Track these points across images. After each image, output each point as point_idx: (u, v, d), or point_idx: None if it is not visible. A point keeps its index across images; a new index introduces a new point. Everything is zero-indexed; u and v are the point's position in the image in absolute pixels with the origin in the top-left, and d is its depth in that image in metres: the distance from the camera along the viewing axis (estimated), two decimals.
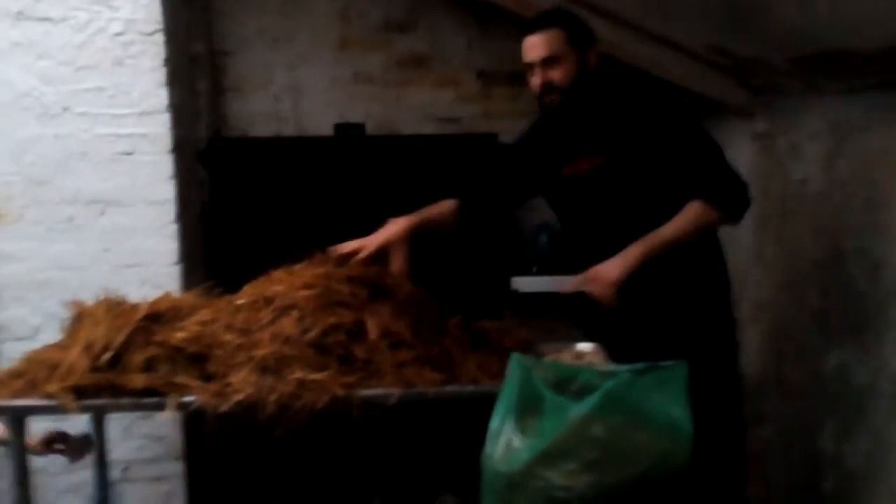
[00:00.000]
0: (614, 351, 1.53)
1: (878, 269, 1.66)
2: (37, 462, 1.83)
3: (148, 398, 1.35)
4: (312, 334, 1.41)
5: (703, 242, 1.61)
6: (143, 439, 2.09)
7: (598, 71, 1.60)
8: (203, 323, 1.43)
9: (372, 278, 1.57)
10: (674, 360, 1.16)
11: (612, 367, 1.30)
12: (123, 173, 2.04)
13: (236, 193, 2.37)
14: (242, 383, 1.33)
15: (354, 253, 1.52)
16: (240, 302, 1.50)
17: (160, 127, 2.04)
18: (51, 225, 2.03)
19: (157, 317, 1.44)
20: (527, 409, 1.15)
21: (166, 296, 1.57)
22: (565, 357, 1.52)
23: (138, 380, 1.34)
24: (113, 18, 2.00)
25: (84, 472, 1.97)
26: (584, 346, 1.59)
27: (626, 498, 1.09)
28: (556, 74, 1.54)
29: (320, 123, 2.49)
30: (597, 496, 1.08)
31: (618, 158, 1.58)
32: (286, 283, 1.56)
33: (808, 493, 1.89)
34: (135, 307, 1.47)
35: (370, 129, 2.51)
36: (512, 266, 2.42)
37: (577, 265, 1.75)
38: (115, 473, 1.98)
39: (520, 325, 1.63)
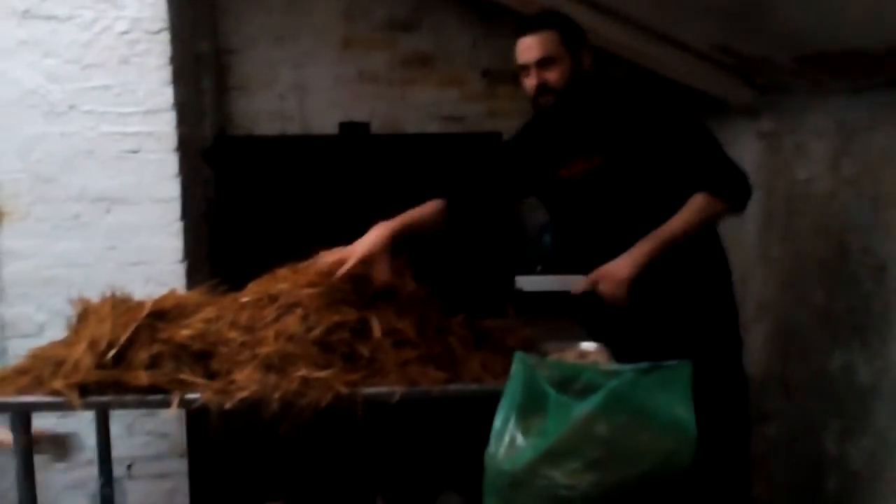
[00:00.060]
0: (618, 350, 1.53)
1: (884, 268, 1.65)
2: (41, 459, 1.84)
3: (152, 395, 1.36)
4: (316, 332, 1.41)
5: (704, 241, 1.60)
6: (147, 436, 2.10)
7: (592, 72, 1.59)
8: (207, 320, 1.43)
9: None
10: (678, 360, 1.16)
11: (615, 366, 1.30)
12: (129, 171, 2.05)
13: (241, 192, 2.38)
14: (246, 381, 1.34)
15: (336, 266, 1.49)
16: (244, 300, 1.50)
17: (165, 125, 2.05)
18: (57, 222, 2.04)
19: (162, 314, 1.44)
20: (530, 408, 1.15)
21: (171, 293, 1.57)
22: (569, 356, 1.52)
23: (143, 377, 1.35)
24: (119, 17, 2.01)
25: (88, 469, 1.99)
26: (588, 346, 1.59)
27: (629, 497, 1.09)
28: (552, 75, 1.54)
29: (325, 122, 2.50)
30: (600, 495, 1.08)
31: (617, 157, 1.57)
32: (290, 281, 1.57)
33: (812, 492, 1.89)
34: (140, 304, 1.48)
35: (375, 127, 2.51)
36: (516, 265, 2.42)
37: (574, 266, 1.75)
38: (118, 470, 1.99)
39: (523, 324, 1.63)
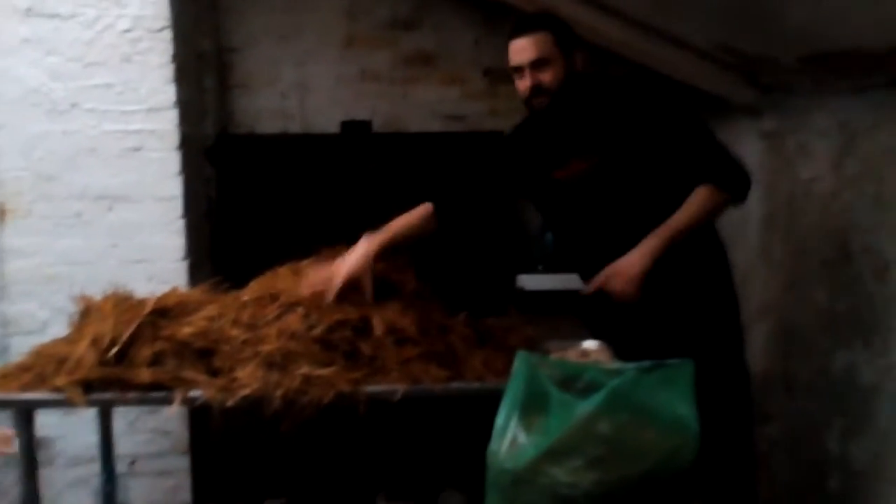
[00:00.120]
0: (620, 349, 1.53)
1: (887, 268, 1.65)
2: (44, 456, 1.85)
3: (155, 392, 1.36)
4: (318, 330, 1.41)
5: (703, 238, 1.60)
6: (149, 433, 2.10)
7: (585, 72, 1.59)
8: (210, 318, 1.44)
9: (378, 275, 1.57)
10: (680, 358, 1.16)
11: (617, 364, 1.30)
12: (131, 169, 2.05)
13: (243, 190, 2.38)
14: (248, 378, 1.34)
15: (322, 288, 1.48)
16: (246, 298, 1.51)
17: (168, 123, 2.05)
18: (59, 220, 2.04)
19: (165, 312, 1.44)
20: (532, 407, 1.15)
21: (173, 291, 1.58)
22: (571, 355, 1.52)
23: (145, 374, 1.35)
24: (121, 15, 2.01)
25: (91, 466, 1.99)
26: (590, 344, 1.59)
27: (631, 495, 1.09)
28: (546, 77, 1.53)
29: (327, 120, 2.50)
30: (602, 493, 1.08)
31: (614, 155, 1.57)
32: (292, 280, 1.57)
33: (814, 492, 1.89)
34: (142, 302, 1.48)
35: (376, 126, 2.51)
36: (517, 264, 2.42)
37: (571, 267, 1.75)
38: (121, 467, 1.99)
39: (525, 323, 1.63)
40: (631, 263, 1.48)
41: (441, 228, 1.64)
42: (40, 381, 1.38)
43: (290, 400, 1.32)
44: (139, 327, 1.39)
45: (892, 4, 1.37)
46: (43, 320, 2.03)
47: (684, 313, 1.60)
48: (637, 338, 1.58)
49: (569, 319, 1.85)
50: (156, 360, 1.37)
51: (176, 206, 2.07)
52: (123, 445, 2.01)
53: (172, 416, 2.00)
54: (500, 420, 1.17)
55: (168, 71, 2.03)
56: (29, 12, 1.99)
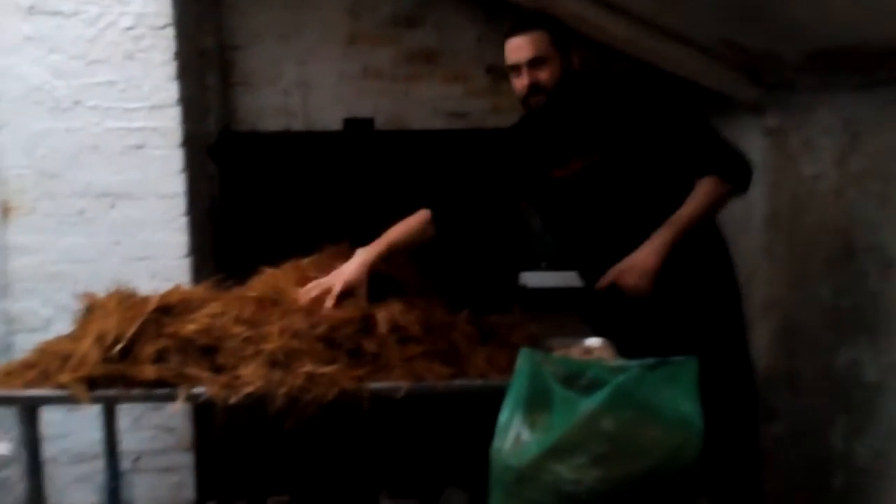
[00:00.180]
0: (623, 346, 1.52)
1: (891, 266, 1.64)
2: (48, 452, 1.85)
3: (159, 389, 1.36)
4: (322, 329, 1.41)
5: (705, 233, 1.60)
6: (153, 430, 2.11)
7: (581, 71, 1.59)
8: (213, 315, 1.44)
9: (381, 273, 1.57)
10: (684, 355, 1.16)
11: (621, 362, 1.29)
12: (134, 167, 2.05)
13: (245, 187, 2.38)
14: (252, 376, 1.34)
15: (319, 301, 1.48)
16: (251, 294, 1.51)
17: (170, 121, 2.05)
18: (62, 218, 2.05)
19: (168, 309, 1.45)
20: (536, 404, 1.15)
21: (177, 288, 1.58)
22: (574, 352, 1.52)
23: (149, 371, 1.35)
24: (124, 13, 2.01)
25: (95, 463, 2.00)
26: (593, 342, 1.58)
27: (635, 492, 1.09)
28: (543, 75, 1.54)
29: (329, 118, 2.50)
30: (606, 490, 1.08)
31: (615, 152, 1.57)
32: (294, 278, 1.57)
33: (818, 490, 1.88)
34: (146, 299, 1.48)
35: (379, 123, 2.51)
36: (520, 261, 2.42)
37: (572, 265, 1.75)
38: (125, 464, 2.00)
39: (528, 320, 1.62)
40: (644, 258, 1.47)
41: (439, 235, 1.64)
42: (44, 378, 1.38)
43: (294, 397, 1.32)
44: (143, 324, 1.39)
45: None
46: (46, 318, 2.04)
47: (688, 309, 1.60)
48: (641, 335, 1.57)
49: (572, 317, 1.85)
50: (159, 357, 1.37)
51: (179, 204, 2.07)
52: (127, 442, 2.01)
53: (176, 413, 2.01)
54: (503, 417, 1.17)
55: (171, 68, 2.03)
56: (32, 10, 1.99)
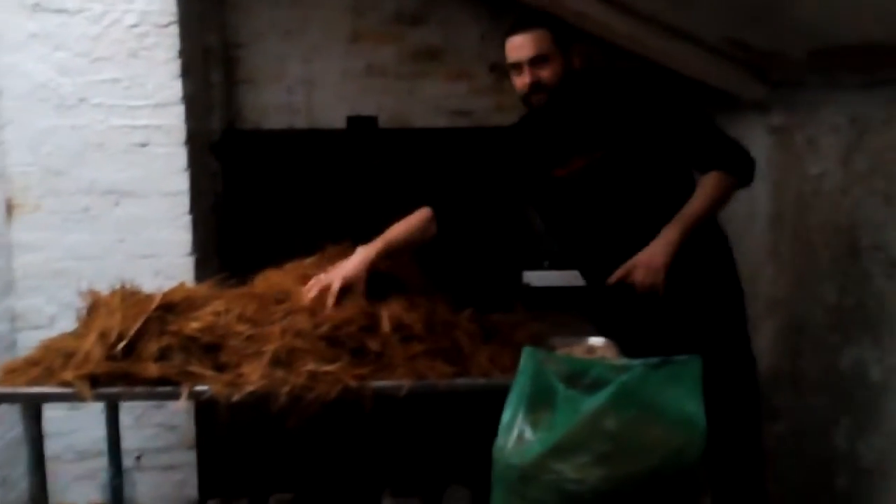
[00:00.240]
0: (626, 345, 1.52)
1: None
2: (51, 450, 1.86)
3: (162, 387, 1.36)
4: (325, 328, 1.41)
5: (709, 233, 1.60)
6: (155, 428, 2.11)
7: (582, 70, 1.59)
8: (216, 313, 1.44)
9: (384, 272, 1.57)
10: (688, 354, 1.15)
11: (625, 361, 1.29)
12: (138, 164, 2.05)
13: (249, 185, 2.39)
14: (255, 374, 1.34)
15: (319, 300, 1.47)
16: (254, 292, 1.51)
17: (174, 118, 2.05)
18: (66, 215, 2.05)
19: (172, 307, 1.45)
20: (539, 402, 1.15)
21: (180, 286, 1.58)
22: (577, 351, 1.52)
23: (152, 369, 1.36)
24: (128, 10, 2.01)
25: (98, 461, 2.00)
26: (596, 341, 1.58)
27: (638, 492, 1.09)
28: (545, 73, 1.54)
29: (333, 116, 2.50)
30: (609, 490, 1.07)
31: (617, 149, 1.57)
32: (297, 276, 1.57)
33: (822, 490, 1.88)
34: (149, 297, 1.48)
35: (382, 121, 2.51)
36: (523, 260, 2.42)
37: (573, 264, 1.74)
38: (127, 462, 2.00)
39: (531, 319, 1.62)
40: (655, 254, 1.47)
41: (440, 233, 1.64)
42: (48, 376, 1.39)
43: (297, 396, 1.32)
44: (146, 322, 1.40)
45: None
46: (50, 315, 2.04)
47: (691, 308, 1.60)
48: (643, 334, 1.57)
49: (575, 316, 1.84)
50: (163, 355, 1.38)
51: (183, 202, 2.07)
52: (130, 440, 2.02)
53: (179, 411, 2.01)
54: (506, 416, 1.17)
55: (175, 66, 2.04)
56: (36, 8, 1.99)
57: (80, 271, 2.02)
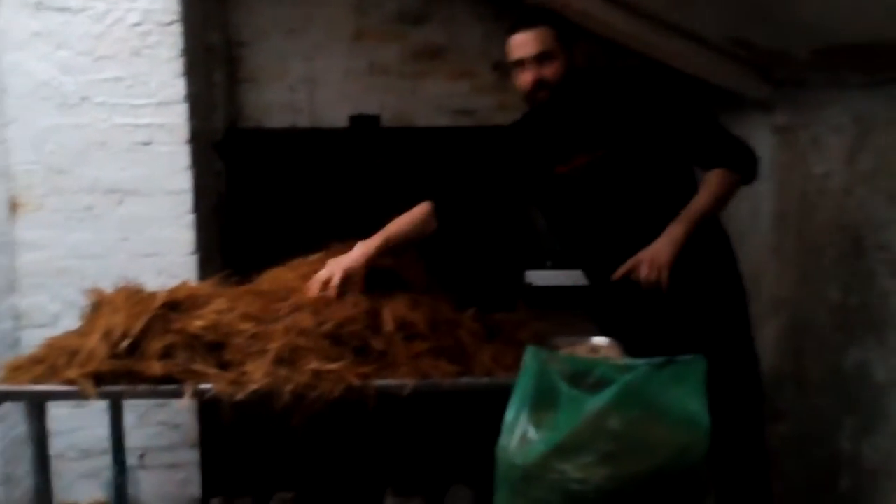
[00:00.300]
0: (629, 345, 1.51)
1: None
2: (55, 448, 1.86)
3: (165, 385, 1.36)
4: (328, 326, 1.41)
5: (711, 232, 1.59)
6: (159, 427, 2.12)
7: (586, 68, 1.59)
8: (220, 311, 1.44)
9: (386, 269, 1.57)
10: (691, 354, 1.15)
11: (628, 361, 1.29)
12: (141, 163, 2.05)
13: (252, 184, 2.39)
14: (258, 372, 1.34)
15: (321, 293, 1.48)
16: (258, 291, 1.51)
17: (177, 117, 2.05)
18: (70, 213, 2.05)
19: (175, 305, 1.45)
20: (542, 402, 1.15)
21: (184, 284, 1.58)
22: (580, 351, 1.52)
23: (156, 367, 1.35)
24: (131, 9, 2.01)
25: (102, 459, 2.01)
26: (600, 341, 1.58)
27: (642, 491, 1.08)
28: (549, 71, 1.54)
29: (335, 115, 2.50)
30: (613, 489, 1.07)
31: (620, 146, 1.57)
32: (300, 275, 1.57)
33: (826, 491, 1.87)
34: (153, 295, 1.48)
35: (385, 120, 2.51)
36: (526, 260, 2.41)
37: (575, 263, 1.74)
38: (131, 460, 2.01)
39: (534, 318, 1.62)
40: (659, 250, 1.46)
41: (441, 228, 1.64)
42: (52, 374, 1.39)
43: (300, 394, 1.32)
44: (150, 320, 1.40)
45: None
46: (54, 313, 2.05)
47: (693, 307, 1.59)
48: (646, 333, 1.57)
49: (577, 316, 1.84)
50: (166, 354, 1.38)
51: (186, 200, 2.07)
52: (134, 438, 2.02)
53: (182, 410, 2.01)
54: (509, 415, 1.17)
55: (177, 65, 2.04)
56: (39, 6, 1.99)
57: (84, 270, 2.02)
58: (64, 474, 2.06)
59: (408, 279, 1.59)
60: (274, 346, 1.37)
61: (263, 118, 2.50)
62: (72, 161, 2.04)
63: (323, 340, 1.40)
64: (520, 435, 1.14)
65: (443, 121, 2.53)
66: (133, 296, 1.49)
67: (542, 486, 1.10)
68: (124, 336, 1.38)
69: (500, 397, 1.20)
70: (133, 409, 2.03)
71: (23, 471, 1.93)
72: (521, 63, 1.56)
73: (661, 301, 1.49)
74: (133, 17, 2.02)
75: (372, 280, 1.53)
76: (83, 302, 1.57)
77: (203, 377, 1.36)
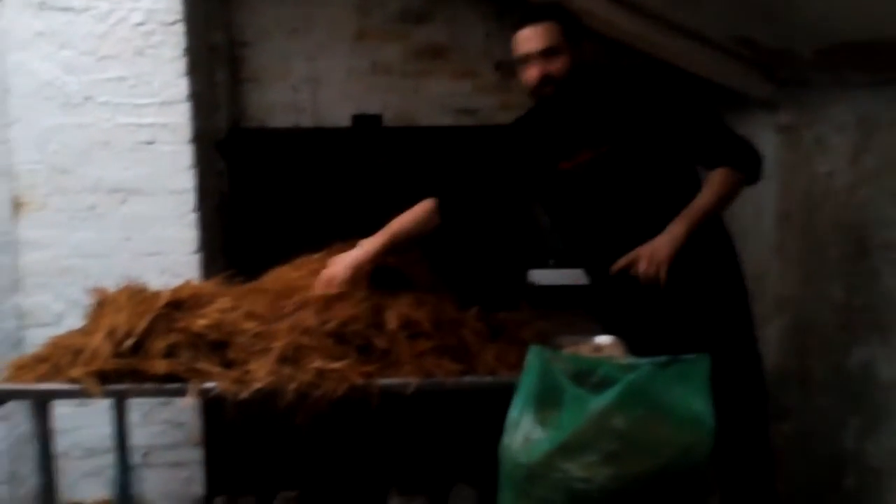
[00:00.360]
0: (633, 344, 1.51)
1: None
2: (59, 446, 1.87)
3: (169, 384, 1.37)
4: (332, 325, 1.41)
5: (713, 231, 1.59)
6: (163, 425, 2.12)
7: (592, 64, 1.59)
8: (223, 310, 1.44)
9: (390, 267, 1.57)
10: (695, 353, 1.15)
11: (632, 360, 1.29)
12: (144, 162, 2.06)
13: (255, 183, 2.39)
14: (262, 371, 1.34)
15: (324, 292, 1.48)
16: (261, 290, 1.51)
17: (180, 117, 2.05)
18: (73, 213, 2.06)
19: (179, 304, 1.45)
20: (546, 401, 1.14)
21: (188, 283, 1.58)
22: (584, 350, 1.51)
23: (160, 366, 1.36)
24: (134, 8, 2.01)
25: (105, 457, 2.01)
26: (603, 339, 1.58)
27: (646, 491, 1.08)
28: (555, 66, 1.53)
29: (338, 114, 2.50)
30: (617, 489, 1.07)
31: (624, 143, 1.57)
32: (303, 274, 1.57)
33: (830, 490, 1.87)
34: (157, 294, 1.48)
35: (387, 120, 2.51)
36: (529, 259, 2.41)
37: (577, 261, 1.74)
38: (135, 458, 2.01)
39: (538, 318, 1.62)
40: (660, 246, 1.46)
41: (444, 224, 1.64)
42: (56, 373, 1.39)
43: (304, 393, 1.32)
44: (154, 319, 1.40)
45: None
46: (58, 312, 2.05)
47: (696, 306, 1.59)
48: (650, 332, 1.56)
49: (580, 315, 1.84)
50: (170, 352, 1.38)
51: (188, 200, 2.08)
52: (137, 437, 2.02)
53: (186, 408, 2.02)
54: (513, 414, 1.17)
55: (180, 64, 2.04)
56: (42, 6, 2.00)
57: (87, 269, 2.02)
58: (68, 472, 2.07)
59: (412, 278, 1.59)
60: (277, 345, 1.37)
61: (266, 118, 2.50)
62: (75, 160, 2.04)
63: (326, 339, 1.40)
64: (523, 434, 1.13)
65: (445, 120, 2.52)
66: (136, 295, 1.49)
67: (546, 485, 1.10)
68: (128, 335, 1.38)
69: (504, 396, 1.20)
70: (137, 408, 2.04)
71: (27, 469, 1.93)
72: (527, 58, 1.55)
73: (659, 297, 1.48)
74: (136, 17, 2.02)
75: (376, 278, 1.54)
76: (87, 301, 1.57)
77: (207, 376, 1.36)
